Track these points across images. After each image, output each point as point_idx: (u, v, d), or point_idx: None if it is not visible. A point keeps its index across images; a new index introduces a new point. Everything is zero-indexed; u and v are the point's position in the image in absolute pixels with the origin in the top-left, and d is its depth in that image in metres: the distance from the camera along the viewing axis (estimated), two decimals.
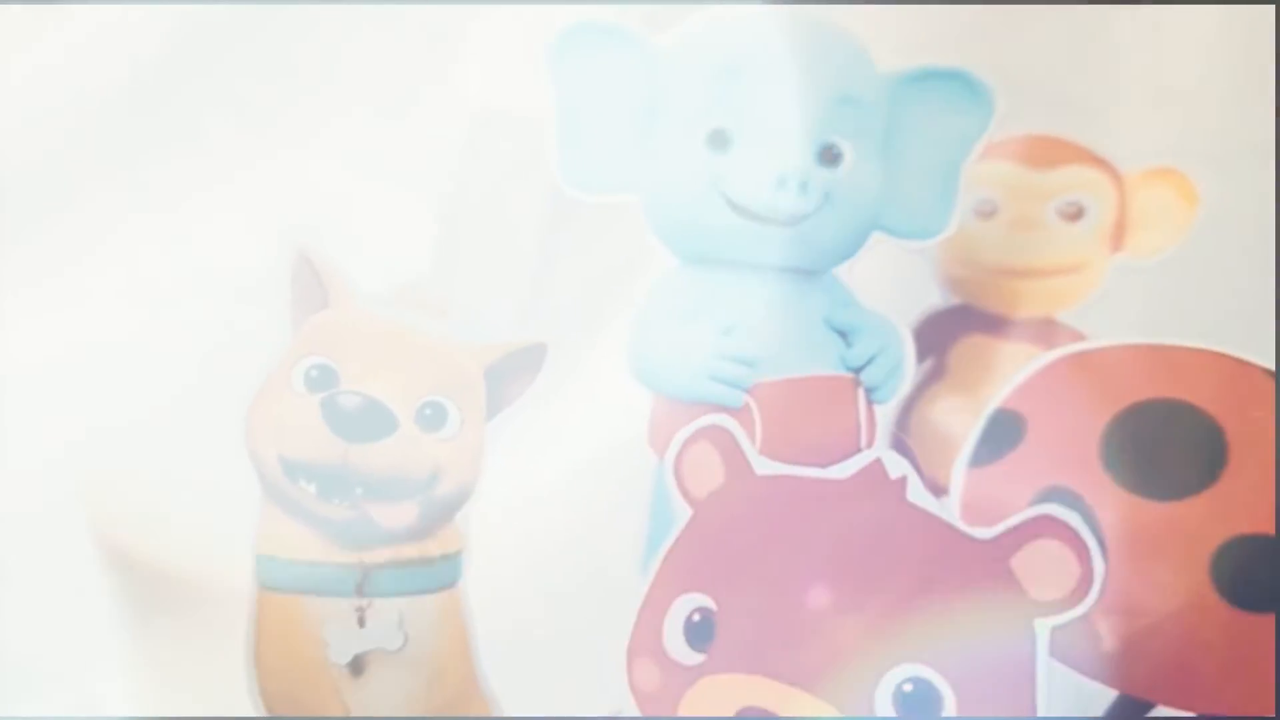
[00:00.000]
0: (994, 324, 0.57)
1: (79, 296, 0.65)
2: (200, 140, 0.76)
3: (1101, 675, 0.44)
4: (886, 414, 0.55)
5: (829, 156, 0.46)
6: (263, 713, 0.42)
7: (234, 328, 0.55)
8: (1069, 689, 0.44)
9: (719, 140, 0.46)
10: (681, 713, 0.37)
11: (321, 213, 0.78)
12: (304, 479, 0.41)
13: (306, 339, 0.42)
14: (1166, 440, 0.44)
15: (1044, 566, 0.34)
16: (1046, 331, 0.55)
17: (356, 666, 0.42)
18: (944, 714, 0.34)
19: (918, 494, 0.35)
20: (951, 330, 0.58)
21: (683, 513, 0.38)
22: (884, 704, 0.34)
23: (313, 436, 0.41)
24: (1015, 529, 0.34)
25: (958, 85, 0.47)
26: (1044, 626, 0.34)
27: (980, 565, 0.34)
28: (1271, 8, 0.68)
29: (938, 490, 0.45)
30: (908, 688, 0.34)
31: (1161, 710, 0.44)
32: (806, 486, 0.36)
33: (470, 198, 0.80)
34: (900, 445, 0.54)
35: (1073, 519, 0.34)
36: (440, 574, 0.43)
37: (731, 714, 0.36)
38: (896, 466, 0.36)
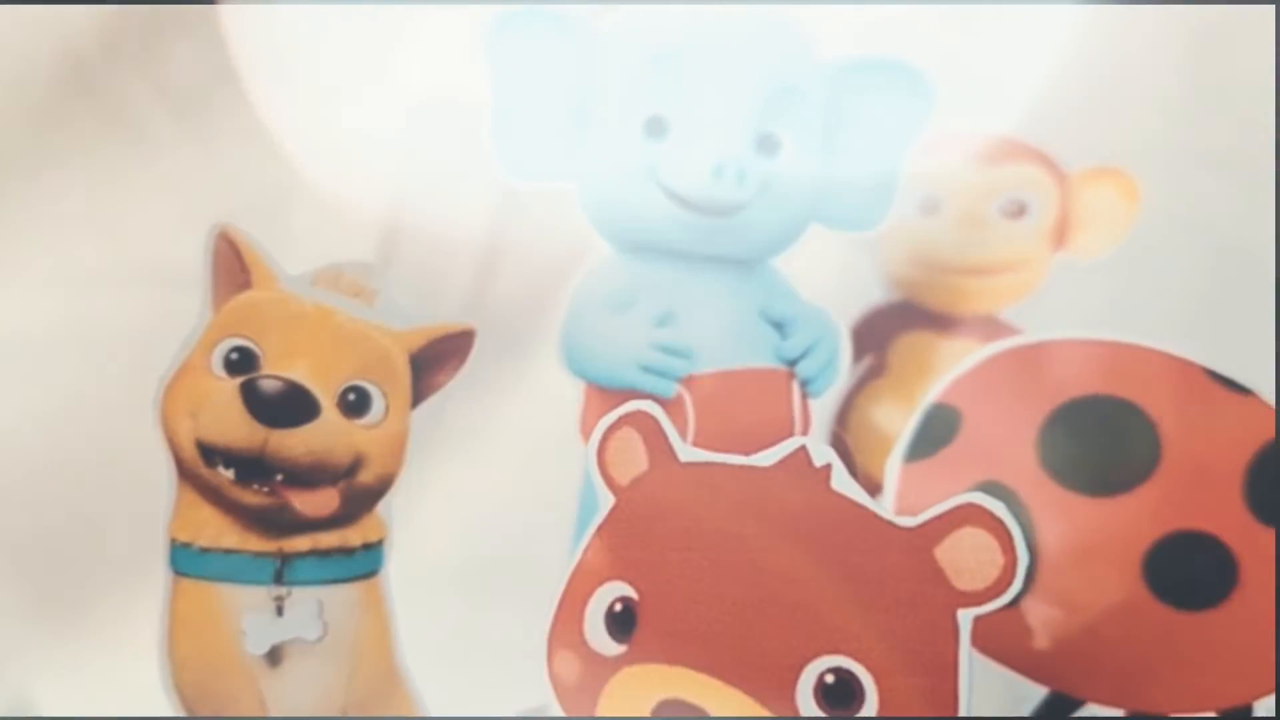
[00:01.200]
0: (935, 321, 0.57)
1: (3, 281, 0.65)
2: (135, 127, 0.75)
3: (1032, 672, 0.44)
4: (826, 410, 0.54)
5: (767, 146, 0.45)
6: (176, 705, 0.41)
7: (160, 313, 0.55)
8: (1000, 685, 0.44)
9: (656, 127, 0.45)
10: (602, 704, 0.36)
11: (261, 201, 0.77)
12: (222, 464, 0.40)
13: (226, 320, 0.41)
14: (1102, 436, 0.44)
15: (968, 556, 0.33)
16: (988, 329, 0.55)
17: (274, 657, 0.42)
18: (866, 704, 0.33)
19: (842, 482, 0.35)
20: (893, 326, 0.58)
21: (606, 500, 0.37)
22: (806, 695, 0.34)
23: (232, 421, 0.40)
24: (939, 517, 0.33)
25: (898, 76, 0.47)
26: (967, 617, 0.33)
27: (904, 554, 0.34)
28: (1271, 8, 0.71)
29: (875, 487, 0.45)
30: (829, 678, 0.34)
31: (1092, 708, 0.44)
32: (731, 474, 0.35)
33: (415, 186, 0.80)
34: (839, 443, 0.54)
35: (997, 508, 0.33)
36: (361, 563, 0.43)
37: (652, 705, 0.35)
38: (821, 455, 0.35)
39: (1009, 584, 0.33)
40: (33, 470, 0.57)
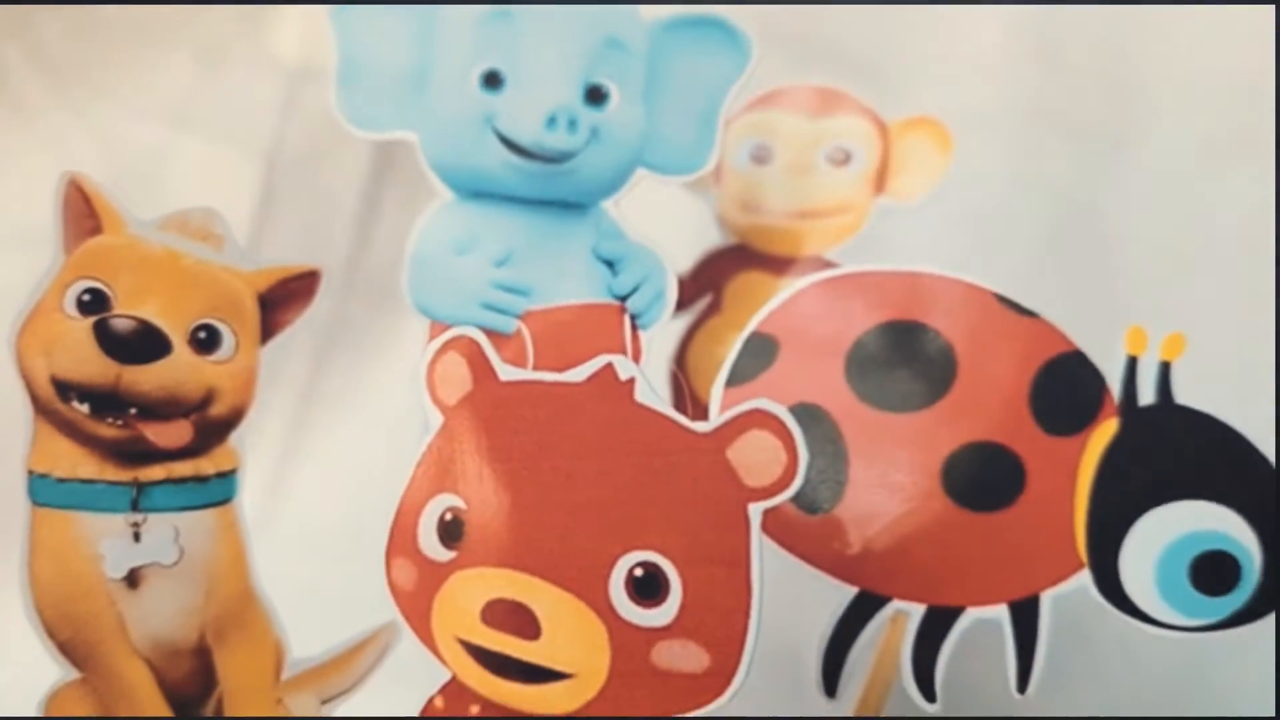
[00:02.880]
0: (767, 262, 0.60)
1: None
2: (9, 93, 0.76)
3: (843, 573, 0.47)
4: (667, 346, 0.58)
5: (596, 96, 0.48)
6: (38, 627, 0.43)
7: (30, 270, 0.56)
8: (813, 587, 0.47)
9: (492, 80, 0.47)
10: (436, 606, 0.39)
11: (137, 162, 0.78)
12: (76, 399, 0.42)
13: (77, 263, 0.42)
14: (903, 358, 0.47)
15: (755, 455, 0.36)
16: (814, 268, 0.58)
17: (132, 579, 0.43)
18: (671, 594, 0.37)
19: (645, 394, 0.38)
20: (727, 267, 0.61)
21: (435, 420, 0.40)
22: (618, 588, 0.37)
23: (85, 358, 0.41)
24: (730, 422, 0.37)
25: (716, 32, 0.50)
26: (757, 510, 0.37)
27: (700, 456, 0.37)
28: (1271, 8, 0.74)
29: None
30: (638, 572, 0.37)
31: (897, 603, 0.47)
32: (546, 390, 0.38)
33: (291, 149, 0.81)
34: (675, 380, 0.57)
35: (779, 411, 0.36)
36: (215, 490, 0.44)
37: (481, 605, 0.38)
38: (626, 369, 0.38)
39: (792, 479, 0.37)
40: None
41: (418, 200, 0.80)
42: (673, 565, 0.37)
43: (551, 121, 0.46)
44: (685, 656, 0.37)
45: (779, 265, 0.59)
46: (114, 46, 0.82)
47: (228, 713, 0.45)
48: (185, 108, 0.83)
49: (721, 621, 0.37)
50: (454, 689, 0.40)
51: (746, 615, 0.37)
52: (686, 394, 0.56)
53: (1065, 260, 0.79)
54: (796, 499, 0.45)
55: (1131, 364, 0.46)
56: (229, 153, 0.84)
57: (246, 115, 0.84)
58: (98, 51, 0.81)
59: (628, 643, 0.37)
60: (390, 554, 0.40)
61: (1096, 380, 0.46)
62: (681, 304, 0.56)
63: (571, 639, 0.38)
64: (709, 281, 0.61)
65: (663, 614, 0.37)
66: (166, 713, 0.44)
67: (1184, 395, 0.46)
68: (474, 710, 0.40)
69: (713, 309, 0.60)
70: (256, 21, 0.84)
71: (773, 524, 0.45)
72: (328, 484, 0.72)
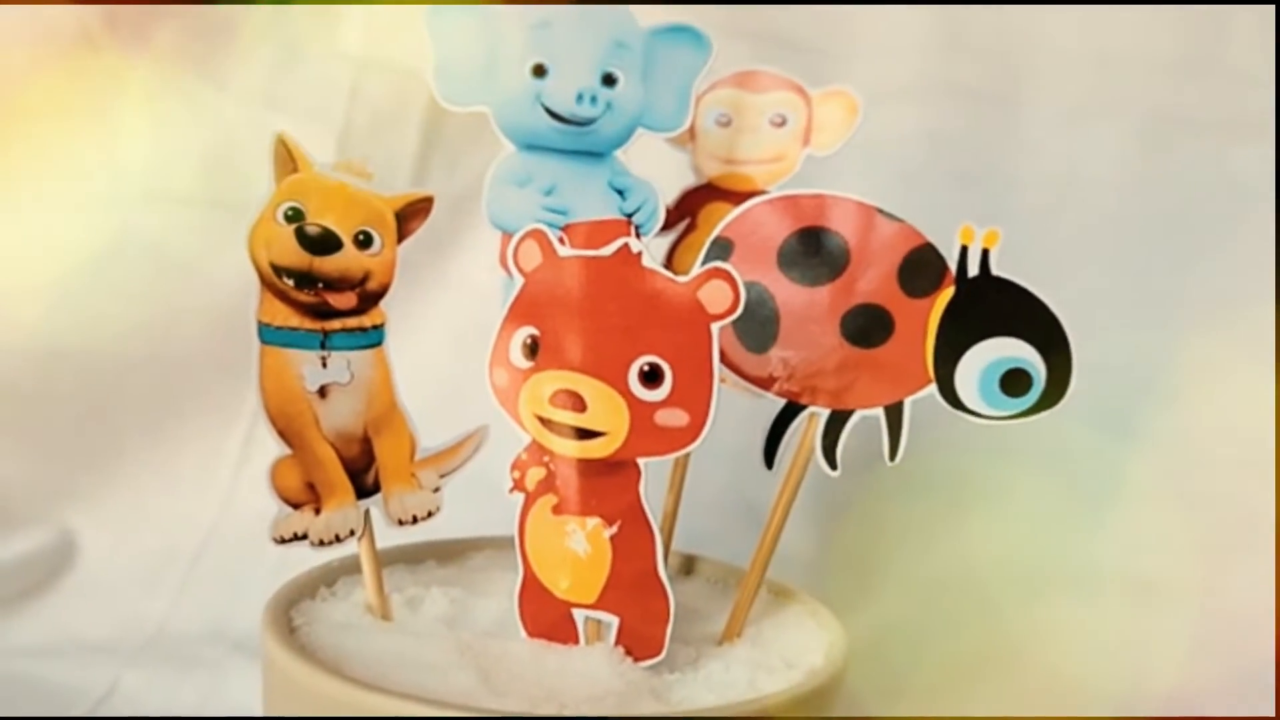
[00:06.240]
0: (728, 195, 0.75)
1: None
2: (136, 84, 0.97)
3: (777, 391, 0.67)
4: (659, 256, 0.80)
5: (609, 80, 0.65)
6: (267, 421, 0.64)
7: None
8: (753, 401, 0.70)
9: (539, 70, 0.65)
10: (522, 396, 0.59)
11: (236, 140, 1.00)
12: (285, 277, 0.59)
13: (284, 190, 0.59)
14: (815, 250, 0.66)
15: (714, 294, 0.53)
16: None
17: (322, 392, 0.61)
18: (666, 381, 0.58)
19: (648, 261, 0.54)
20: (700, 200, 0.77)
21: (518, 282, 0.58)
22: (634, 378, 0.54)
23: (290, 251, 0.59)
24: (699, 275, 0.53)
25: (688, 35, 0.70)
26: (716, 327, 0.53)
27: (682, 296, 0.53)
28: (1271, 8, 0.87)
29: None
30: (646, 367, 0.53)
31: (811, 409, 0.70)
32: (587, 261, 0.54)
33: (357, 129, 1.03)
34: None
35: (729, 267, 0.58)
36: (372, 337, 0.62)
37: (549, 393, 0.58)
38: (636, 247, 0.57)
39: (737, 307, 0.56)
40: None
41: (457, 166, 1.02)
42: (667, 363, 0.53)
43: (580, 98, 0.64)
44: (675, 418, 0.54)
45: (736, 197, 0.70)
46: (218, 43, 1.03)
47: (382, 480, 0.66)
48: (272, 92, 1.05)
49: (697, 395, 0.54)
50: (533, 448, 0.58)
51: (711, 391, 0.54)
52: None
53: (956, 196, 1.01)
54: (747, 343, 0.68)
55: (963, 250, 0.63)
56: (308, 128, 1.05)
57: (322, 98, 1.06)
58: (205, 48, 1.03)
59: (640, 412, 0.54)
60: (492, 365, 0.59)
61: (941, 261, 0.64)
62: (667, 226, 0.76)
63: (606, 411, 0.54)
64: (687, 210, 0.77)
65: (661, 392, 0.54)
66: (344, 479, 0.63)
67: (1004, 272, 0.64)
68: (546, 459, 0.60)
69: (689, 229, 0.77)
70: (329, 20, 1.05)
71: (734, 359, 0.68)
72: (445, 331, 0.94)
